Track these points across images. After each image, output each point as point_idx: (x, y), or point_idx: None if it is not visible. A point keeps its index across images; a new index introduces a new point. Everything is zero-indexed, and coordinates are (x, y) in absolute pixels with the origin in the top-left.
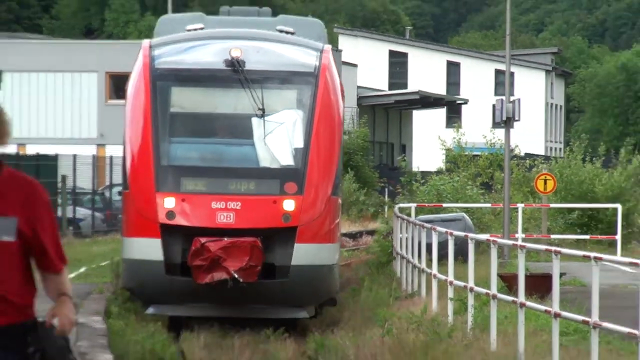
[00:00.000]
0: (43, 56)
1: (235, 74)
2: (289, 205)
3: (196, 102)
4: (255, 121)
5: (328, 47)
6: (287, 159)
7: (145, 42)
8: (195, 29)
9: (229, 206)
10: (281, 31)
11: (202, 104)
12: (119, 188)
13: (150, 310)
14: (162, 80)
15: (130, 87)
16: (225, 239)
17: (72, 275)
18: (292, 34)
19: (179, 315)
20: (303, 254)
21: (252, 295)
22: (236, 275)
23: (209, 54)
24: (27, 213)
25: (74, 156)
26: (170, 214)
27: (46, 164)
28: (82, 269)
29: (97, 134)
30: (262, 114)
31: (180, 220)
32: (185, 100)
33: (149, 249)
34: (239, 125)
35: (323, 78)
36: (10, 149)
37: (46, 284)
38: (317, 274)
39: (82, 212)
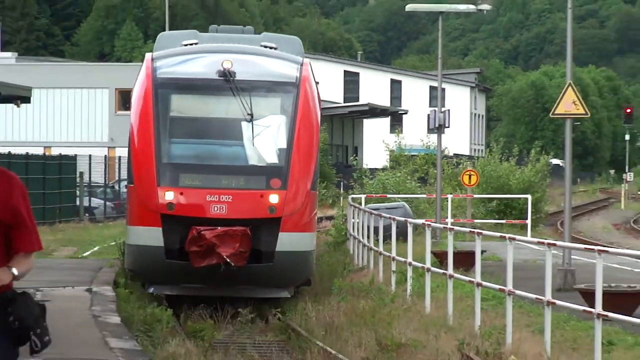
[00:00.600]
0: (65, 75)
1: (226, 83)
2: (274, 198)
3: (192, 107)
4: (244, 124)
5: (307, 60)
6: (272, 158)
7: (148, 55)
8: (190, 44)
9: (222, 199)
10: (265, 46)
11: (198, 109)
12: (125, 182)
13: (151, 289)
14: (163, 88)
15: (135, 94)
16: (219, 228)
17: (87, 253)
18: (275, 49)
19: (176, 294)
20: (286, 241)
21: (241, 277)
22: (228, 260)
23: (203, 66)
24: (5, 199)
25: (90, 156)
26: (170, 205)
27: (67, 163)
28: (96, 248)
29: (108, 138)
30: (251, 118)
31: (178, 211)
32: (183, 106)
33: (151, 236)
34: (230, 128)
35: (303, 87)
36: (38, 150)
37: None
38: (298, 258)
39: (96, 201)
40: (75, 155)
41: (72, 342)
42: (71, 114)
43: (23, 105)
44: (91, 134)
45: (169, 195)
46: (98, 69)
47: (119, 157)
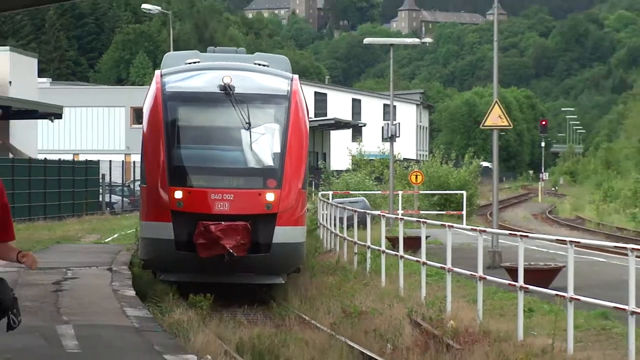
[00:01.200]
0: (89, 96)
1: (226, 96)
2: (270, 196)
3: (197, 117)
4: (243, 132)
5: (296, 76)
6: (268, 161)
7: (157, 72)
8: (193, 62)
9: (225, 197)
10: (258, 64)
11: (202, 118)
12: (139, 182)
13: (162, 277)
14: (171, 101)
15: (146, 106)
16: (222, 222)
17: (108, 239)
18: (267, 66)
19: (183, 281)
20: (281, 234)
21: (242, 266)
22: (231, 251)
23: (206, 81)
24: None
25: (110, 162)
26: (179, 203)
27: (91, 167)
28: (115, 235)
29: (125, 147)
30: (248, 126)
31: (186, 208)
32: (189, 116)
33: (162, 230)
34: (231, 135)
35: (294, 100)
36: (68, 156)
37: (2, 249)
38: (291, 249)
39: (115, 198)
40: (98, 160)
41: (96, 311)
42: (94, 127)
43: (56, 121)
44: (111, 144)
45: (178, 194)
46: (116, 91)
47: (134, 162)
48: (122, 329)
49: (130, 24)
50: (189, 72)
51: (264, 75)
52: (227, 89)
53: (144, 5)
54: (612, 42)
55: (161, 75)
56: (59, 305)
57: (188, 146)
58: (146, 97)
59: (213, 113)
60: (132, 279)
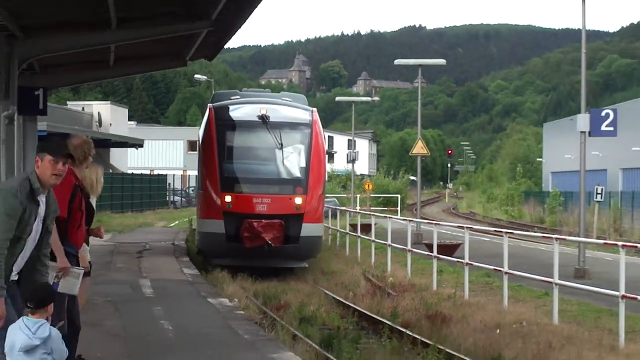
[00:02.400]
0: (161, 133)
1: (263, 123)
2: (298, 200)
3: (241, 139)
4: (276, 151)
5: (315, 109)
6: (296, 173)
7: (210, 105)
8: (236, 98)
9: (264, 201)
10: (285, 100)
11: (245, 140)
12: (192, 188)
13: (215, 261)
14: (222, 127)
15: (202, 131)
16: (263, 220)
17: (172, 224)
18: (291, 101)
19: (231, 264)
20: (307, 229)
21: (276, 254)
22: (269, 242)
23: (247, 112)
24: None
25: (173, 175)
26: (228, 205)
27: (161, 178)
28: (176, 222)
29: (183, 165)
30: (281, 146)
31: (234, 209)
32: (235, 138)
33: (216, 226)
34: (267, 153)
35: (315, 127)
36: (147, 171)
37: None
38: (314, 241)
39: (176, 198)
40: (166, 174)
41: (164, 270)
42: (164, 153)
43: (140, 149)
44: (174, 164)
45: (228, 198)
46: (177, 130)
47: (188, 175)
48: (181, 282)
49: (187, 87)
50: (234, 105)
51: (291, 108)
52: (263, 118)
53: (196, 75)
54: (492, 101)
55: (213, 108)
56: (140, 266)
57: (234, 161)
58: (202, 125)
59: (253, 136)
60: (187, 250)
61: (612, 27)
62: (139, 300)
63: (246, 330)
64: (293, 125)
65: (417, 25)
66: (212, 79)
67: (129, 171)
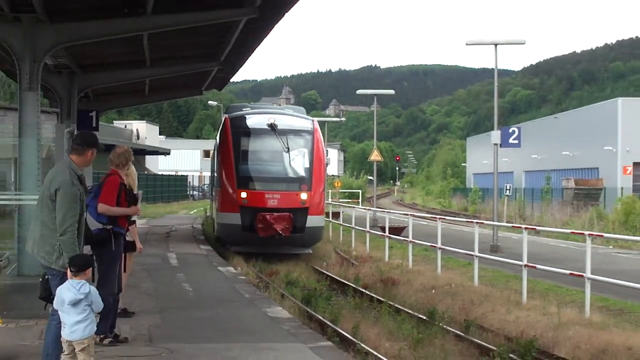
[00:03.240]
0: (183, 145)
1: (273, 131)
2: (304, 196)
3: (254, 144)
4: (284, 154)
5: (315, 119)
6: (301, 173)
7: (226, 115)
8: (247, 110)
9: (274, 197)
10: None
11: (257, 145)
12: (206, 185)
13: (232, 248)
14: (237, 134)
15: (219, 137)
16: (274, 213)
17: (192, 212)
18: (294, 112)
19: (246, 251)
20: (311, 221)
21: (286, 242)
22: (280, 232)
23: (258, 120)
24: None
25: (192, 176)
26: (244, 200)
27: (183, 178)
28: (195, 210)
29: (200, 169)
30: (288, 150)
31: (249, 204)
32: (249, 143)
33: (233, 218)
34: (277, 156)
35: (316, 133)
36: (172, 173)
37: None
38: (317, 230)
39: (195, 193)
40: (187, 175)
41: (183, 245)
42: (185, 159)
43: (167, 156)
44: (192, 167)
45: (244, 194)
46: (195, 142)
47: (203, 176)
48: (198, 255)
49: (202, 110)
50: (246, 115)
51: (295, 117)
52: (272, 126)
53: (209, 102)
54: (429, 121)
55: (229, 118)
56: (168, 242)
57: (249, 163)
58: (218, 133)
59: (264, 141)
60: (202, 231)
61: (517, 66)
62: (167, 268)
63: (247, 291)
64: (297, 132)
65: (373, 65)
66: (221, 104)
67: (160, 172)
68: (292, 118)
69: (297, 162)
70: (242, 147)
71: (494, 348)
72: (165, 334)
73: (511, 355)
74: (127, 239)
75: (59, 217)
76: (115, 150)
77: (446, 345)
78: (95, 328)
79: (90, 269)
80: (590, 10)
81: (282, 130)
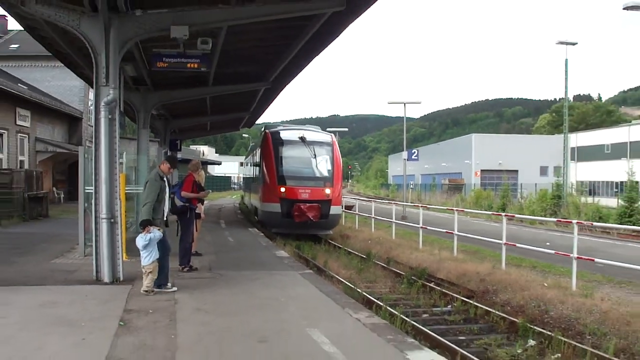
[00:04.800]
0: (229, 159)
1: (303, 142)
2: (328, 191)
3: (289, 151)
4: (312, 159)
5: (333, 134)
6: (326, 174)
7: (267, 130)
8: (280, 127)
9: (306, 191)
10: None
11: (292, 152)
12: (241, 182)
13: (273, 230)
14: (276, 144)
15: (262, 146)
16: (307, 204)
17: (233, 197)
18: (315, 130)
19: (285, 232)
20: (333, 209)
21: (315, 226)
22: (311, 218)
23: (292, 134)
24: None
25: (232, 176)
26: (283, 193)
27: (228, 177)
28: (234, 196)
29: (238, 171)
30: (315, 156)
31: (287, 196)
32: (285, 151)
33: (275, 207)
34: (307, 161)
35: (334, 145)
36: (222, 174)
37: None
38: (337, 217)
39: (234, 186)
40: (230, 176)
41: (230, 216)
42: (229, 167)
43: (220, 166)
44: (233, 171)
45: (283, 189)
46: (236, 157)
47: (239, 176)
48: (237, 221)
49: (239, 139)
50: (282, 131)
51: (318, 132)
52: (302, 139)
53: (243, 134)
54: (368, 146)
55: (270, 132)
56: (219, 214)
57: (286, 165)
58: (260, 144)
59: (297, 150)
60: (239, 209)
61: (417, 115)
62: (219, 229)
63: (264, 242)
64: (321, 144)
65: (336, 114)
66: (249, 135)
67: (215, 174)
68: (316, 133)
69: (322, 165)
70: (280, 154)
71: (403, 273)
72: (218, 265)
73: (412, 277)
74: (197, 211)
75: (143, 197)
76: (191, 162)
77: (377, 272)
78: (152, 260)
79: (150, 227)
80: (458, 80)
81: (310, 142)
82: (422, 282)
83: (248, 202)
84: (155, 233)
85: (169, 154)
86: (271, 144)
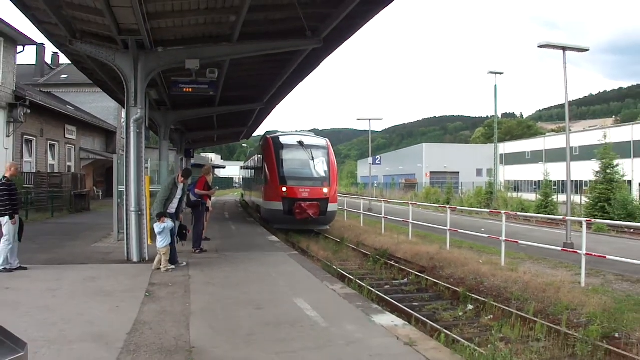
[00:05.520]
0: (231, 164)
1: (301, 146)
2: (325, 190)
3: (290, 154)
4: (310, 161)
5: (327, 139)
6: (323, 174)
7: (268, 136)
8: (279, 134)
9: (305, 190)
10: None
11: (292, 155)
12: (241, 182)
13: (275, 226)
14: (277, 148)
15: (264, 150)
16: (307, 202)
17: (235, 194)
18: (311, 135)
19: (286, 228)
20: (330, 207)
21: (314, 222)
22: (312, 215)
23: (291, 139)
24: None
25: (235, 177)
26: (285, 192)
27: (231, 178)
28: (236, 193)
29: (239, 174)
30: (313, 159)
31: (288, 195)
32: (286, 154)
33: (277, 205)
34: (306, 163)
35: (329, 149)
36: (227, 176)
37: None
38: (333, 213)
39: (236, 185)
40: (233, 177)
41: (232, 209)
42: (232, 170)
43: (224, 169)
44: (234, 173)
45: (284, 189)
46: (237, 163)
47: (239, 177)
48: (239, 213)
49: (240, 148)
50: (281, 137)
51: (314, 137)
52: (301, 143)
53: (243, 144)
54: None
55: (271, 138)
56: (224, 208)
57: (287, 167)
58: (261, 148)
59: (296, 153)
60: (240, 203)
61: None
62: (224, 220)
63: (260, 230)
64: (318, 147)
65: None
66: (247, 145)
67: (221, 176)
68: (312, 138)
69: (319, 167)
70: (281, 157)
71: (369, 253)
72: (223, 248)
73: (377, 256)
74: (207, 206)
75: (158, 195)
76: (204, 167)
77: (348, 253)
78: (166, 244)
79: (163, 217)
80: (412, 100)
81: (308, 146)
82: (384, 260)
83: (249, 200)
84: (169, 223)
85: (184, 167)
86: (273, 148)
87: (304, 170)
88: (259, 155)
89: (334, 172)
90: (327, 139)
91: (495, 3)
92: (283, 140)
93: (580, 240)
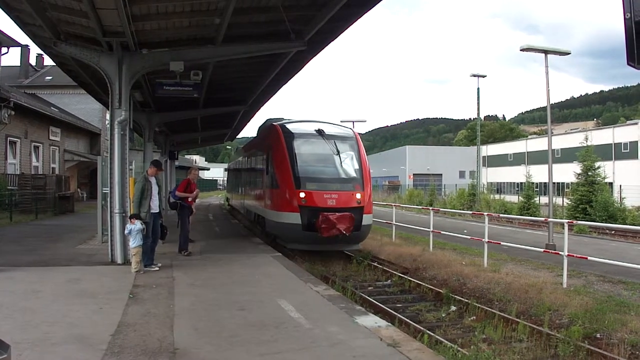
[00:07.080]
0: (216, 165)
1: (321, 136)
2: (358, 196)
3: (306, 148)
4: (335, 157)
5: (355, 130)
6: (353, 174)
7: (275, 124)
8: (288, 120)
9: (332, 197)
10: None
11: (309, 149)
12: (225, 184)
13: (291, 246)
14: (289, 139)
15: (271, 143)
16: (337, 213)
17: (219, 196)
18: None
19: (305, 249)
20: (365, 219)
21: (345, 240)
22: (343, 231)
23: (306, 127)
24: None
25: (219, 179)
26: (303, 200)
27: (216, 179)
28: (220, 195)
29: (223, 176)
30: (338, 153)
31: (307, 203)
32: (300, 147)
33: (293, 217)
34: (329, 158)
35: (358, 140)
36: (211, 178)
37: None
38: (368, 228)
39: (220, 187)
40: (217, 179)
41: (216, 211)
42: (216, 172)
43: (209, 171)
44: (219, 176)
45: (302, 194)
46: (221, 164)
47: (223, 179)
48: (223, 215)
49: (224, 150)
50: (292, 124)
51: (336, 126)
52: (320, 132)
53: (227, 146)
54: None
55: (279, 126)
56: (208, 210)
57: (305, 165)
58: (267, 138)
59: (314, 146)
60: (224, 204)
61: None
62: (208, 221)
63: (244, 232)
64: (342, 138)
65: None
66: (231, 147)
67: (206, 178)
68: (334, 126)
69: (347, 164)
70: (295, 151)
71: (353, 255)
72: (207, 250)
73: (360, 258)
74: (191, 207)
75: (134, 196)
76: (190, 169)
77: (332, 254)
78: (135, 244)
79: (133, 219)
80: (395, 103)
81: (330, 136)
82: (368, 262)
83: (241, 207)
84: (137, 225)
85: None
86: (283, 140)
87: (328, 169)
88: (261, 150)
89: (367, 172)
90: (352, 128)
91: (478, 6)
92: (295, 128)
93: (562, 242)
